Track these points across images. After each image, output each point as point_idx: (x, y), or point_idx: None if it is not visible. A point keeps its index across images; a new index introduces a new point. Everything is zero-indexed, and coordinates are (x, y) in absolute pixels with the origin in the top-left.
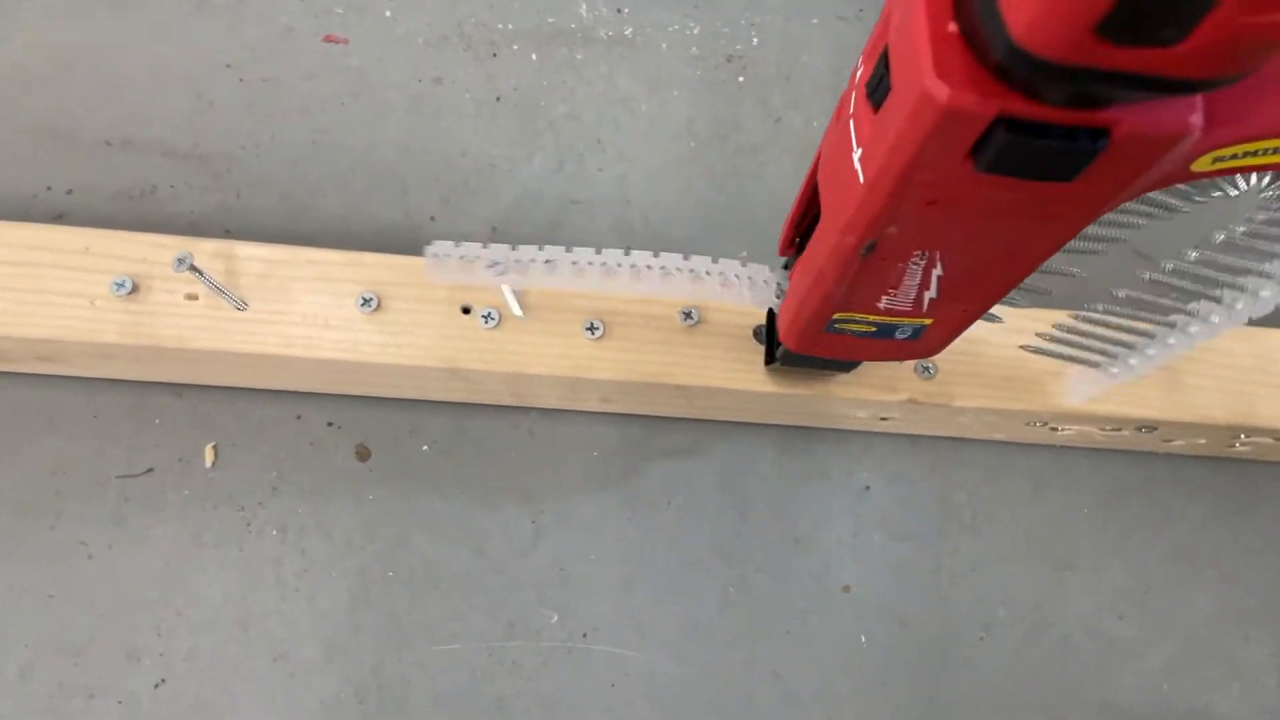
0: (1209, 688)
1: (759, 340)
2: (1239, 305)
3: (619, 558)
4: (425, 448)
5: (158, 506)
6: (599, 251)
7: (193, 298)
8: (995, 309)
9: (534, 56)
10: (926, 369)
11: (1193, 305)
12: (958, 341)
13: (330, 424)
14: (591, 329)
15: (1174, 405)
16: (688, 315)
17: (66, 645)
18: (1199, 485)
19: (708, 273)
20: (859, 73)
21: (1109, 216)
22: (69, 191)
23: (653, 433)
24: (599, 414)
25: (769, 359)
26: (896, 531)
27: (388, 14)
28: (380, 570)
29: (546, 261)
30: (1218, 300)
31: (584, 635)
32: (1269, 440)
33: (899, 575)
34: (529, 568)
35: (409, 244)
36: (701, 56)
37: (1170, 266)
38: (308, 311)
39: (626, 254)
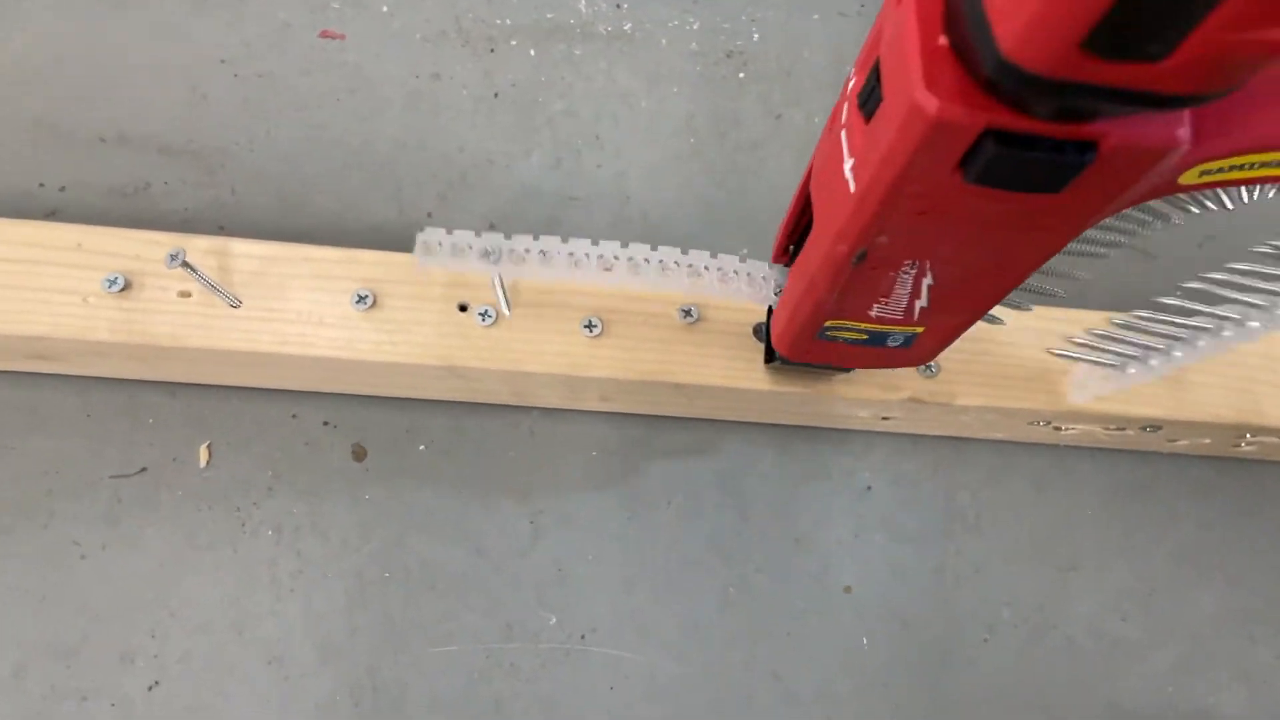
0: (1215, 690)
1: (759, 338)
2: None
3: (618, 558)
4: (422, 447)
5: (151, 507)
6: (596, 243)
7: (186, 295)
8: (996, 310)
9: (532, 52)
10: (928, 368)
11: (1232, 310)
12: (960, 340)
13: (326, 423)
14: (589, 327)
15: (1179, 404)
16: (687, 313)
17: (59, 647)
18: (1204, 485)
19: (706, 268)
20: (851, 83)
21: (1111, 221)
22: (62, 188)
23: (652, 432)
24: (598, 413)
25: (769, 357)
26: (898, 532)
27: (385, 9)
28: (376, 571)
29: (541, 252)
30: (1259, 306)
31: (583, 637)
32: (1275, 440)
33: (900, 576)
34: (527, 568)
35: (405, 241)
36: (701, 52)
37: (1216, 275)
38: (303, 309)
39: (624, 247)
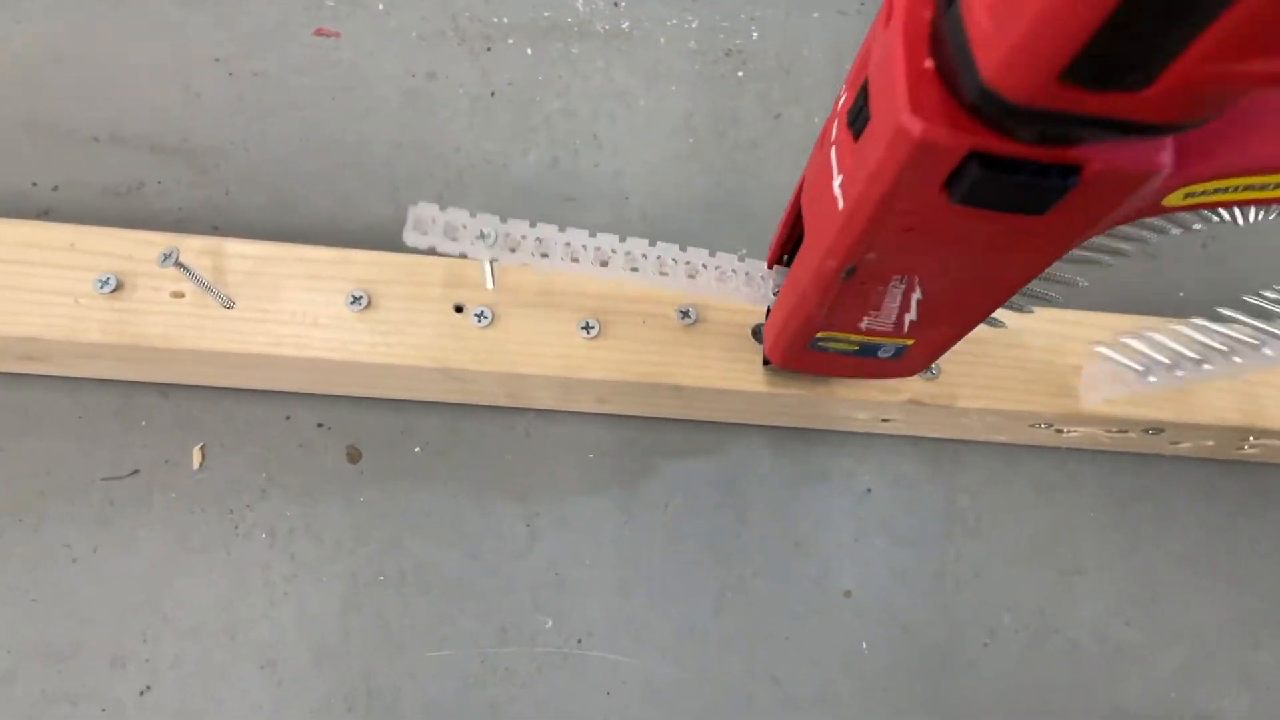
0: (1219, 695)
1: (757, 340)
2: None
3: (615, 561)
4: (417, 449)
5: (144, 509)
6: (593, 234)
7: (179, 295)
8: (997, 313)
9: (529, 51)
10: (929, 370)
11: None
12: (961, 342)
13: (320, 425)
14: (587, 328)
15: (1183, 407)
16: (685, 314)
17: (50, 651)
18: (1207, 488)
19: (704, 266)
20: (842, 100)
21: (1103, 240)
22: (55, 187)
23: (650, 434)
24: (595, 415)
25: (767, 359)
26: (898, 535)
27: (380, 7)
28: (371, 574)
29: (538, 239)
30: None
31: (579, 641)
32: (1279, 442)
33: (901, 579)
34: (523, 571)
35: (400, 241)
36: (700, 51)
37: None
38: (296, 310)
39: (622, 241)
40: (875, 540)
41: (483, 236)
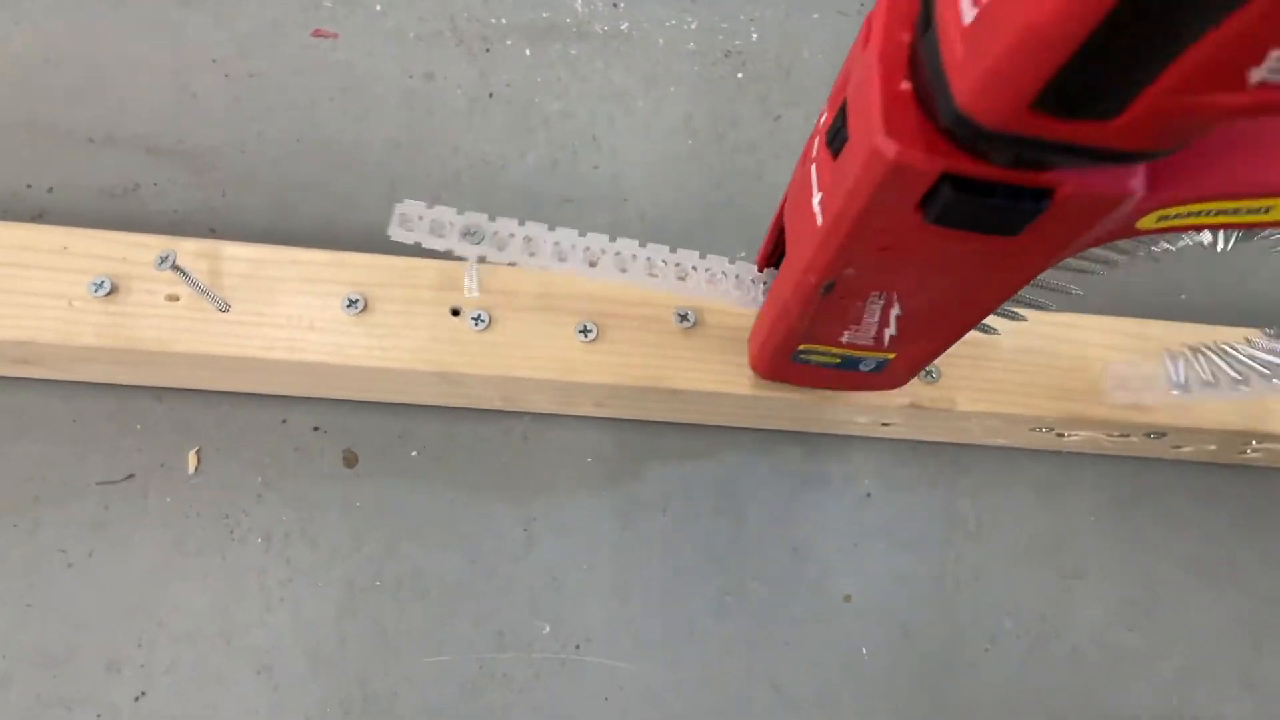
0: (1221, 700)
1: None
2: None
3: (613, 566)
4: (414, 453)
5: (139, 513)
6: (583, 234)
7: (174, 299)
8: (990, 320)
9: (528, 52)
10: (929, 373)
11: None
12: (961, 345)
13: (316, 428)
14: (584, 331)
15: (1185, 410)
16: (683, 317)
17: (44, 656)
18: (1209, 492)
19: (694, 268)
20: (823, 118)
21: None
22: (50, 189)
23: (648, 438)
24: (593, 418)
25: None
26: (898, 539)
27: (378, 8)
28: (367, 579)
29: (526, 238)
30: None
31: (577, 646)
32: None
33: (901, 584)
34: (521, 576)
35: (397, 244)
36: (699, 52)
37: None
38: (292, 313)
39: (612, 241)
40: (875, 544)
41: (470, 234)
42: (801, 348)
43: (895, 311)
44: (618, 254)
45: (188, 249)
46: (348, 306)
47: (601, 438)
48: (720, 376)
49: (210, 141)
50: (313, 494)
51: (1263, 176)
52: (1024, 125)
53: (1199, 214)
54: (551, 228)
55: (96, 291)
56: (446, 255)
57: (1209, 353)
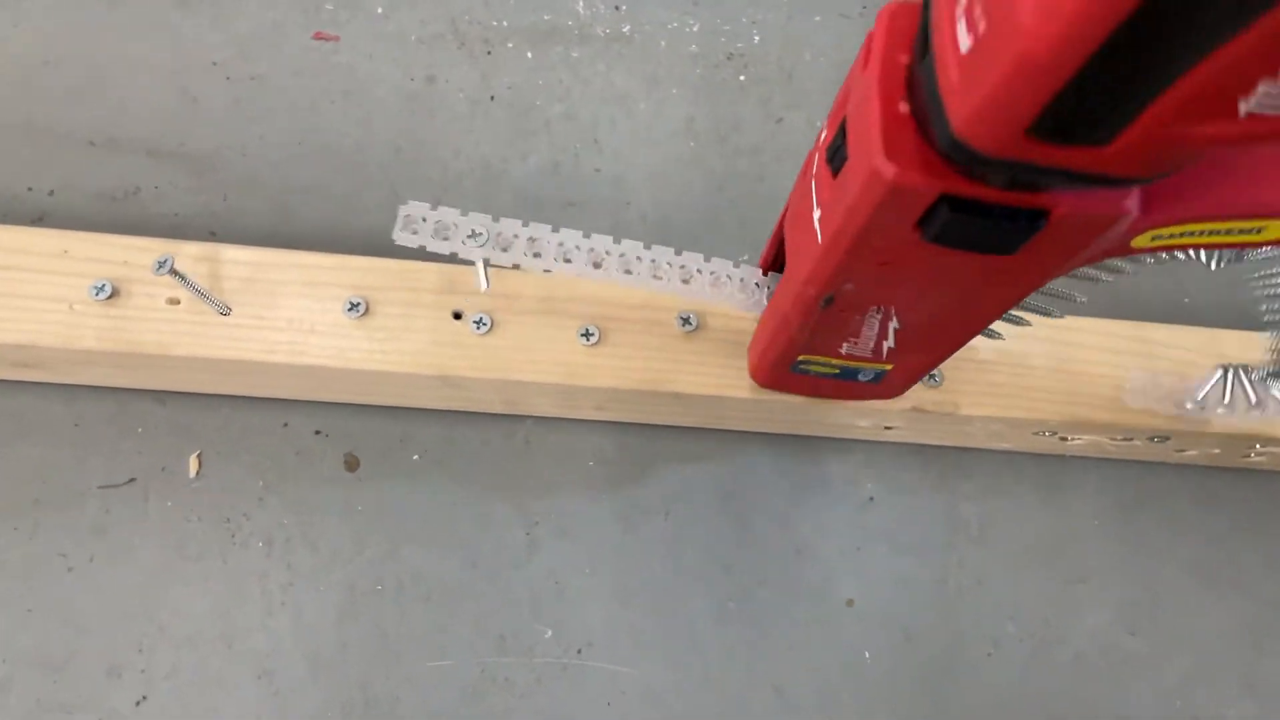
0: (1224, 704)
1: None
2: None
3: (615, 570)
4: (416, 457)
5: (140, 517)
6: (587, 236)
7: (174, 302)
8: (995, 325)
9: (529, 54)
10: (932, 376)
11: None
12: (964, 349)
13: (318, 432)
14: (586, 335)
15: (1187, 413)
16: (686, 321)
17: (45, 660)
18: (1213, 496)
19: (699, 270)
20: (823, 135)
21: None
22: (50, 192)
23: (650, 441)
24: (595, 422)
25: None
26: (901, 543)
27: (379, 10)
28: (369, 583)
29: (530, 239)
30: None
31: (579, 651)
32: None
33: (903, 588)
34: (522, 580)
35: (399, 247)
36: (701, 54)
37: None
38: (293, 316)
39: (616, 243)
40: (877, 548)
41: (474, 235)
42: (801, 358)
43: (894, 325)
44: (622, 256)
45: (188, 252)
46: (349, 310)
47: (603, 441)
48: (722, 380)
49: (211, 144)
50: (314, 498)
51: (1255, 198)
52: (1019, 151)
53: (1193, 234)
54: (555, 229)
55: (97, 295)
56: (450, 258)
57: (1233, 377)
